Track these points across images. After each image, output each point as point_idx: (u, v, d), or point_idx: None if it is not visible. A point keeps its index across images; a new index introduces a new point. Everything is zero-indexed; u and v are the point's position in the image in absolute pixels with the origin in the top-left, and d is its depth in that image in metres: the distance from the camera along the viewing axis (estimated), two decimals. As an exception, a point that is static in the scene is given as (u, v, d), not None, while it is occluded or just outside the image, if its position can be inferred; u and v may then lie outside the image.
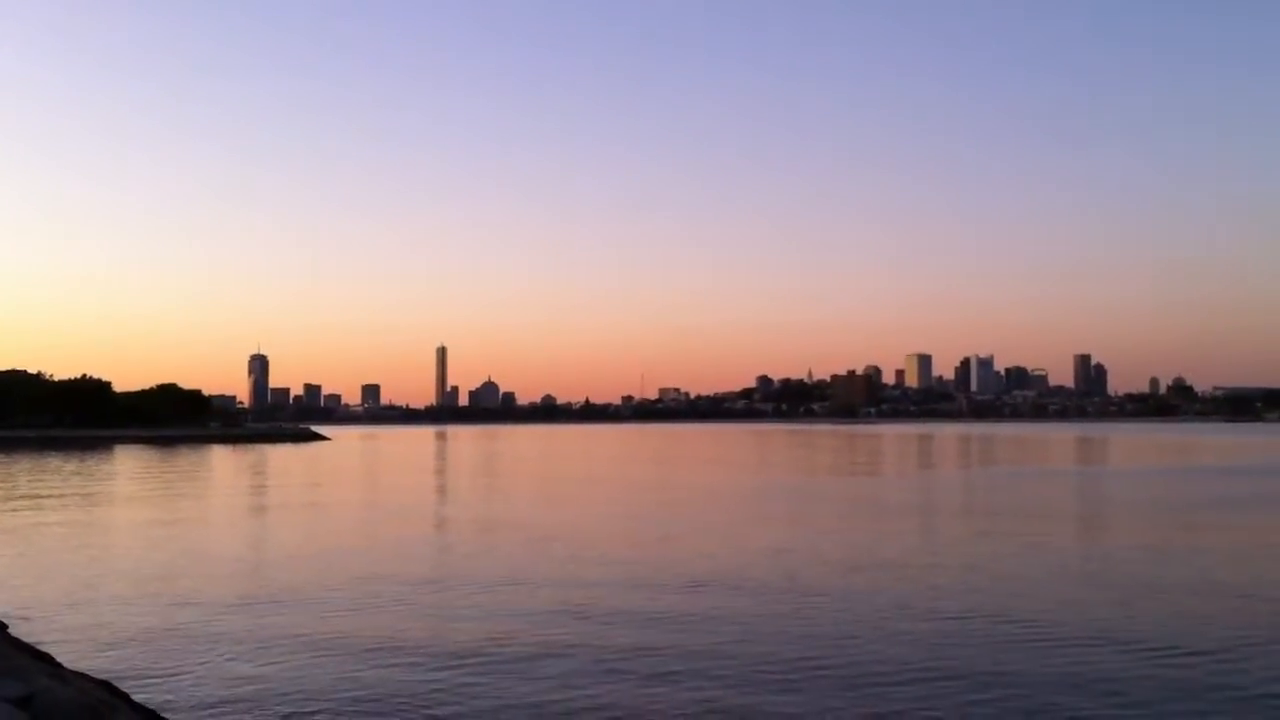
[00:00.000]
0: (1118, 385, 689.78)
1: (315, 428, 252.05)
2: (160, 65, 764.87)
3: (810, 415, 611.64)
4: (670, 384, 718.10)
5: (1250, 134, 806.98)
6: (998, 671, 18.90)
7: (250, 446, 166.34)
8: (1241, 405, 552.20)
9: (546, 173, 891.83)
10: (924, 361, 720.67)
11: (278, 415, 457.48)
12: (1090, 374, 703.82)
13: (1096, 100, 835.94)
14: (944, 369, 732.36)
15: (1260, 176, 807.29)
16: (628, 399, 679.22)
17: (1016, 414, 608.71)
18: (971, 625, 23.19)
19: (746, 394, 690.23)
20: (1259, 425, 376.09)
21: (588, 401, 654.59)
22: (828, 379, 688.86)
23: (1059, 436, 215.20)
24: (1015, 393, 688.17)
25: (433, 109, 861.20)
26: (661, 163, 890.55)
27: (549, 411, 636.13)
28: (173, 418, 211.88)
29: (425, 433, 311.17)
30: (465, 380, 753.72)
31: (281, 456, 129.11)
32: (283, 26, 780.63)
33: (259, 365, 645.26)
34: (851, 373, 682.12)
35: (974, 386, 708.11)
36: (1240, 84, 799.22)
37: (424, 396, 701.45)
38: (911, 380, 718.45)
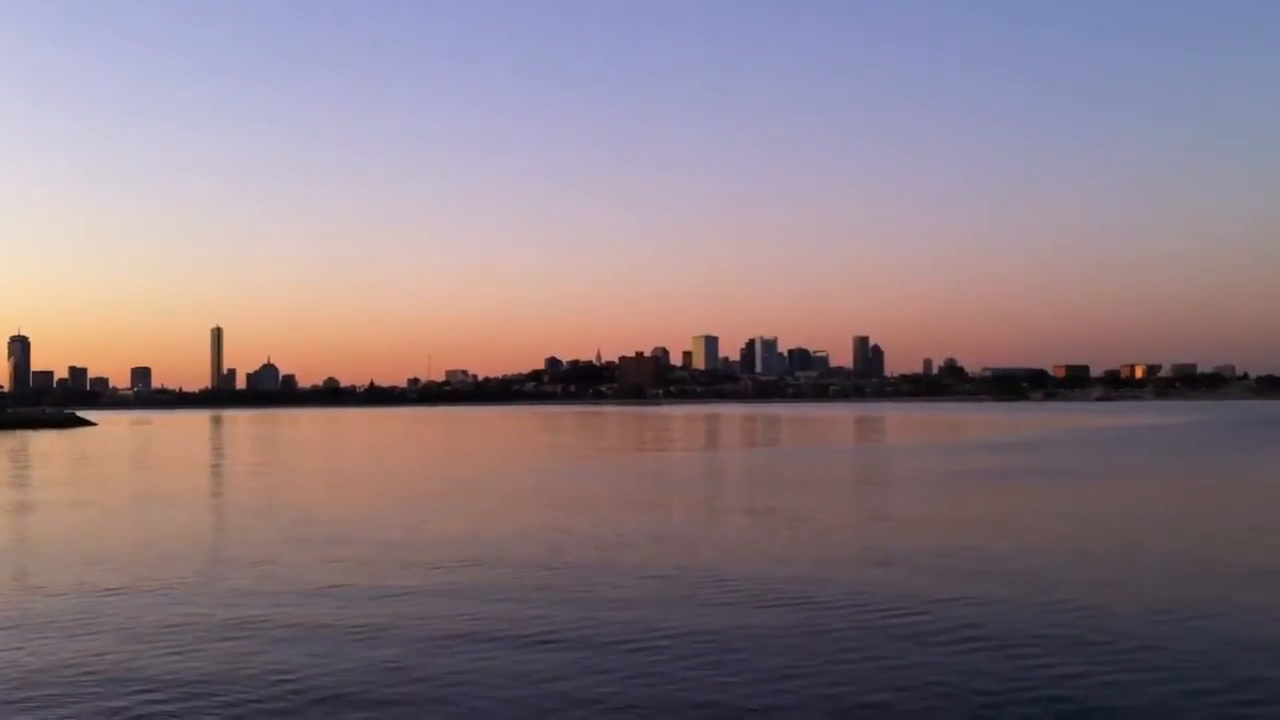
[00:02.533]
0: (894, 366, 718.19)
1: (81, 412, 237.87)
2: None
3: (599, 397, 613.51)
4: (457, 366, 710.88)
5: (1019, 125, 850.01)
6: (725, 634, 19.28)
7: (10, 433, 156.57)
8: (1008, 385, 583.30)
9: (326, 149, 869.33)
10: (710, 343, 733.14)
11: (41, 399, 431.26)
12: (869, 355, 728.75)
13: (878, 92, 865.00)
14: (730, 350, 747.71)
15: (1028, 168, 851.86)
16: (414, 381, 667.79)
17: (799, 394, 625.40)
18: (713, 594, 23.98)
19: (535, 376, 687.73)
20: (1024, 404, 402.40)
21: (372, 384, 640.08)
22: (616, 361, 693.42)
23: (839, 416, 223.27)
24: (798, 373, 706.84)
25: (204, 83, 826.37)
26: (443, 141, 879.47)
27: (332, 394, 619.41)
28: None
29: (200, 417, 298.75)
30: (243, 362, 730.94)
31: (44, 443, 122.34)
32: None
33: (20, 347, 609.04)
34: (640, 354, 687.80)
35: (759, 367, 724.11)
36: (1009, 81, 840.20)
37: (199, 379, 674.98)
38: (699, 362, 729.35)
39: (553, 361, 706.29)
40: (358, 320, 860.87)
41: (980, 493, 48.66)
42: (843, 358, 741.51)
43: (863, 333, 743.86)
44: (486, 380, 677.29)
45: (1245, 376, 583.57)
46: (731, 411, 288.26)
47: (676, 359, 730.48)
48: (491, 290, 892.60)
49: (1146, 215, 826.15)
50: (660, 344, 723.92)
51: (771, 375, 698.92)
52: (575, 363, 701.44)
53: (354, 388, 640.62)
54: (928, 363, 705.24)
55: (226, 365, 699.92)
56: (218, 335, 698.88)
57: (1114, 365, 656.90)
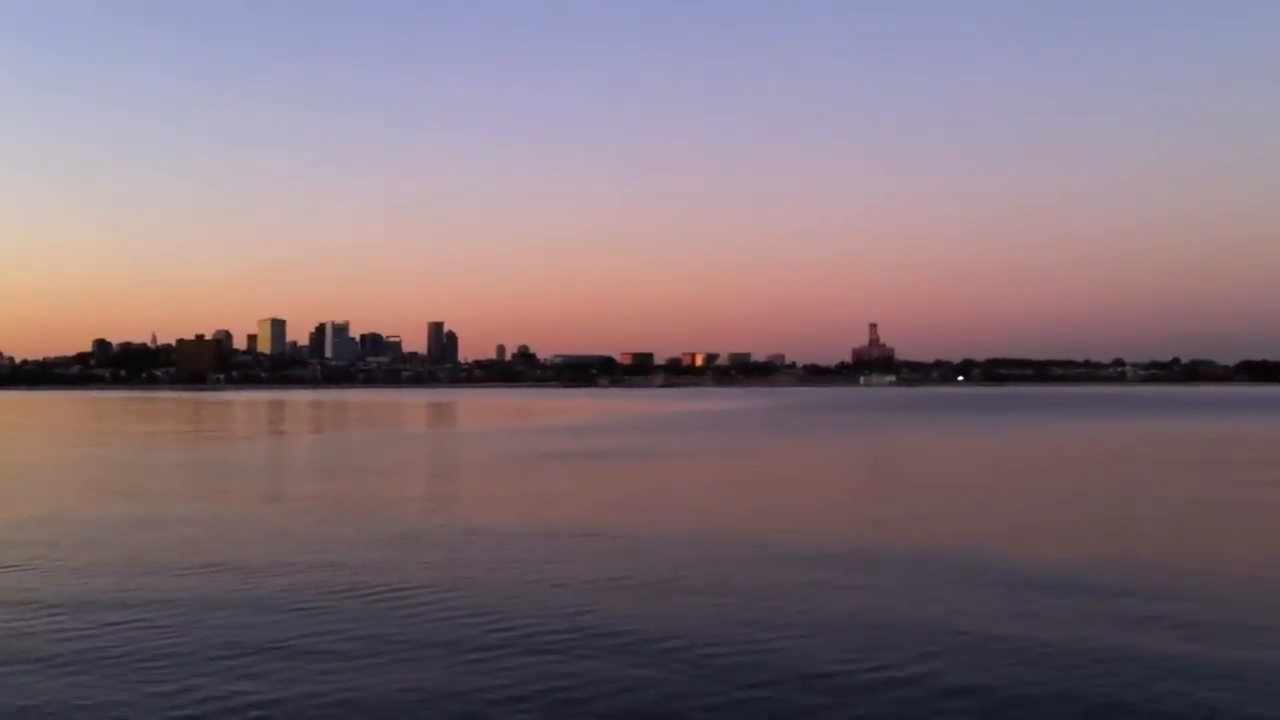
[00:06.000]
0: (467, 352, 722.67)
1: None
2: None
3: (154, 382, 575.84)
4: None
5: (581, 116, 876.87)
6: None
7: None
8: (578, 371, 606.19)
9: None
10: (278, 327, 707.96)
11: None
12: (443, 341, 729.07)
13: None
14: (299, 335, 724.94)
15: (588, 162, 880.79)
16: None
17: (371, 380, 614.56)
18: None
19: (82, 358, 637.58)
20: (593, 390, 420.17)
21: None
22: (174, 344, 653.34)
23: (411, 401, 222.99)
24: (370, 359, 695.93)
25: None
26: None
27: None
28: None
29: None
30: None
31: None
32: None
33: None
34: (200, 337, 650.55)
35: (329, 353, 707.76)
36: (585, 79, 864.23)
37: None
38: (264, 346, 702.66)
39: (101, 344, 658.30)
40: None
41: (533, 473, 50.44)
42: (416, 343, 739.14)
43: (437, 318, 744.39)
44: (24, 363, 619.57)
45: (793, 365, 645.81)
46: (298, 397, 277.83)
47: (240, 343, 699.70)
48: (32, 266, 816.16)
49: (704, 214, 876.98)
50: (223, 327, 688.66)
51: (343, 361, 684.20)
52: (127, 345, 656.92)
53: None
54: (501, 349, 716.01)
55: None
56: None
57: (676, 353, 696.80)
